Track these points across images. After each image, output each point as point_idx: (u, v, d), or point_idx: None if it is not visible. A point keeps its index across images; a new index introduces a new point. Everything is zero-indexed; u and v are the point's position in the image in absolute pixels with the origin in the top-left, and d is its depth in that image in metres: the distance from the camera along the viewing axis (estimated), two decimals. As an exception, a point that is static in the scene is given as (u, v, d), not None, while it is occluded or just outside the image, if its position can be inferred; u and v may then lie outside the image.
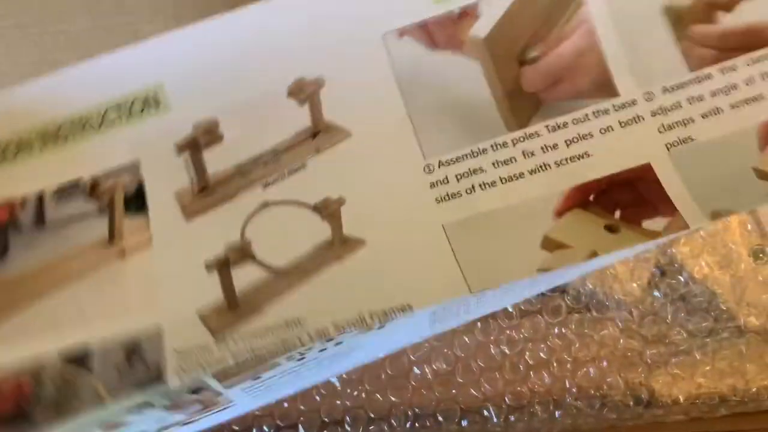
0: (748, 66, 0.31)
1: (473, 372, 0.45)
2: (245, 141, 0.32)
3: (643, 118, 0.31)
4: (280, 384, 0.33)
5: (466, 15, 0.33)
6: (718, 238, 0.47)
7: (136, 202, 0.31)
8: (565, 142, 0.31)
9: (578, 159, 0.30)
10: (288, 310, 0.29)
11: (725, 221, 0.47)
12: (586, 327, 0.46)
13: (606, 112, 0.31)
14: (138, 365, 0.29)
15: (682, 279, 0.47)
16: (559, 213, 0.30)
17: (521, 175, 0.30)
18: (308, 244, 0.30)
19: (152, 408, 0.29)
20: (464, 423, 0.45)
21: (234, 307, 0.30)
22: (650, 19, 0.32)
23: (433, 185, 0.30)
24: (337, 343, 0.30)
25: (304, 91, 0.32)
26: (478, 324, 0.45)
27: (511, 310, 0.45)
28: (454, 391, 0.45)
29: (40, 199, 0.32)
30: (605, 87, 0.31)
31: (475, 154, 0.30)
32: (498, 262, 0.29)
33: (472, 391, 0.45)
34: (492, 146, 0.30)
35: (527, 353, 0.45)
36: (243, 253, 0.30)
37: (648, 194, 0.31)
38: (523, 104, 0.31)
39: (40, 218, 0.32)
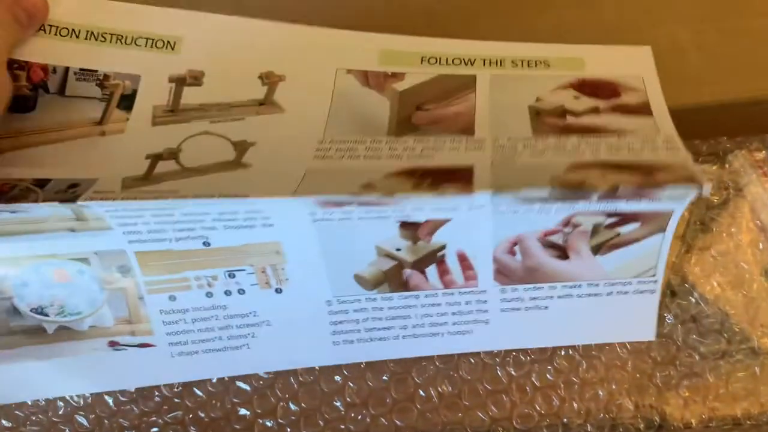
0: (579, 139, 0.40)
1: (479, 395, 0.45)
2: (215, 92, 0.43)
3: (483, 149, 0.40)
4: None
5: (396, 77, 0.44)
6: (729, 257, 0.47)
7: (127, 102, 0.43)
8: (422, 148, 0.41)
9: (425, 158, 0.40)
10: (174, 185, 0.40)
11: (736, 240, 0.46)
12: (593, 348, 0.46)
13: (459, 141, 0.41)
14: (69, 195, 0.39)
15: (693, 300, 0.46)
16: (388, 176, 0.39)
17: (378, 157, 0.41)
18: (214, 160, 0.41)
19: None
20: (471, 446, 0.45)
21: (145, 179, 0.40)
22: (516, 109, 0.42)
23: (318, 150, 0.41)
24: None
25: (270, 78, 0.43)
26: (484, 345, 0.46)
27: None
28: (460, 414, 0.45)
29: (66, 74, 0.43)
30: (468, 131, 0.42)
31: (356, 142, 0.41)
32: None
33: (479, 414, 0.45)
34: (371, 141, 0.42)
35: (534, 375, 0.45)
36: (172, 155, 0.41)
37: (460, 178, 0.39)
38: (405, 127, 0.43)
39: (61, 89, 0.43)
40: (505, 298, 0.42)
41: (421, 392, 0.46)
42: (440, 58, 0.45)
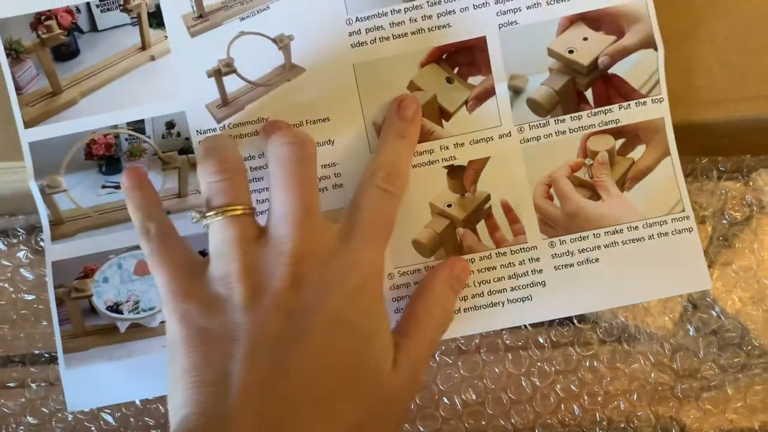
0: None
1: (503, 403, 0.45)
2: None
3: (489, 4, 0.43)
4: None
5: None
6: (751, 273, 0.46)
7: (157, 19, 0.43)
8: (437, 14, 0.43)
9: (443, 28, 0.43)
10: (258, 111, 0.43)
11: (758, 257, 0.46)
12: (617, 360, 0.45)
13: None
14: (174, 135, 0.43)
15: (714, 314, 0.46)
16: (422, 65, 0.44)
17: (405, 34, 0.43)
18: (270, 66, 0.43)
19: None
20: (494, 454, 0.45)
21: (226, 105, 0.43)
22: None
23: (350, 34, 0.43)
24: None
25: None
26: (509, 355, 0.46)
27: (542, 341, 0.46)
28: (483, 422, 0.45)
29: (89, 8, 0.42)
30: None
31: (380, 15, 0.43)
32: (379, 96, 0.43)
33: (502, 422, 0.45)
34: (390, 11, 0.43)
35: (558, 385, 0.45)
36: (229, 67, 0.43)
37: (477, 59, 0.44)
38: None
39: (93, 25, 0.43)
40: (555, 252, 0.43)
41: (445, 399, 0.45)
42: None
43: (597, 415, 0.45)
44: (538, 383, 0.45)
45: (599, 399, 0.45)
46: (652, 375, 0.45)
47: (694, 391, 0.45)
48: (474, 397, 0.45)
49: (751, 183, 0.47)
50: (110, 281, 0.43)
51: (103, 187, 0.43)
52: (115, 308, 0.43)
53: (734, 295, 0.46)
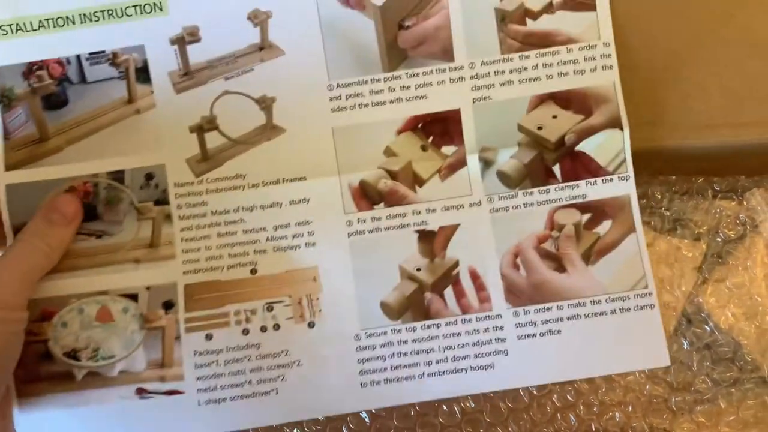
0: (536, 57, 0.43)
1: (501, 412, 0.45)
2: (215, 44, 0.42)
3: (464, 79, 0.43)
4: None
5: None
6: (744, 290, 0.46)
7: (144, 74, 0.42)
8: (415, 85, 0.43)
9: (419, 98, 0.43)
10: (237, 168, 0.43)
11: (751, 274, 0.46)
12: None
13: (443, 71, 0.43)
14: (152, 186, 0.42)
15: (708, 328, 0.46)
16: (399, 132, 0.43)
17: (383, 102, 0.43)
18: (251, 125, 0.43)
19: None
20: (490, 462, 0.44)
21: (205, 160, 0.43)
22: (485, 13, 0.43)
23: (331, 99, 0.43)
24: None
25: (258, 17, 0.42)
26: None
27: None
28: (481, 430, 0.45)
29: (79, 61, 0.42)
30: (447, 53, 0.43)
31: (360, 84, 0.43)
32: (357, 157, 0.43)
33: (500, 430, 0.45)
34: (371, 80, 0.43)
35: (554, 395, 0.45)
36: (211, 124, 0.43)
37: (451, 130, 0.44)
38: (394, 55, 0.43)
39: (82, 77, 0.42)
40: (519, 322, 0.42)
41: (444, 407, 0.45)
42: None
43: (592, 425, 0.45)
44: (535, 392, 0.45)
45: (594, 409, 0.45)
46: (647, 387, 0.45)
47: (687, 404, 0.45)
48: (472, 405, 0.45)
49: (744, 203, 0.48)
50: (69, 326, 0.41)
51: (77, 233, 0.42)
52: (73, 355, 0.41)
53: (727, 310, 0.46)
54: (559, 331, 0.42)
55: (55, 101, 0.42)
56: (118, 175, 0.42)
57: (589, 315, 0.42)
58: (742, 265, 0.47)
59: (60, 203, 0.41)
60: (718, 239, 0.47)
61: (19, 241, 0.39)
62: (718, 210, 0.47)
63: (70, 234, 0.41)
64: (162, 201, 0.42)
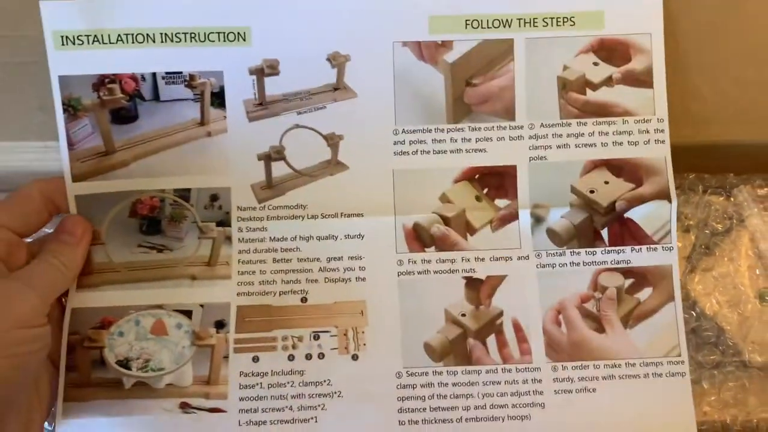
0: (594, 125, 0.45)
1: None
2: (292, 79, 0.44)
3: (523, 138, 0.45)
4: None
5: (445, 45, 0.44)
6: (728, 279, 0.49)
7: (218, 99, 0.43)
8: (476, 138, 0.45)
9: (479, 151, 0.45)
10: (298, 198, 0.44)
11: (736, 265, 0.49)
12: None
13: (503, 128, 0.45)
14: (216, 207, 0.44)
15: (694, 314, 0.48)
16: (456, 180, 0.45)
17: (444, 151, 0.45)
18: (316, 159, 0.44)
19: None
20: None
21: (270, 187, 0.44)
22: (547, 80, 0.45)
23: (395, 143, 0.44)
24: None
25: (337, 60, 0.43)
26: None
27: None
28: None
29: (154, 79, 0.43)
30: (509, 113, 0.45)
31: (424, 131, 0.44)
32: (413, 200, 0.44)
33: None
34: (435, 129, 0.44)
35: None
36: (279, 154, 0.44)
37: (506, 184, 0.45)
38: (459, 109, 0.45)
39: (156, 94, 0.43)
40: (557, 377, 0.43)
41: None
42: (481, 21, 0.45)
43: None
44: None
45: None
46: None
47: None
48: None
49: (732, 198, 0.50)
50: (125, 336, 0.41)
51: (139, 246, 0.42)
52: (125, 363, 0.41)
53: (713, 298, 0.48)
54: (594, 390, 0.43)
55: (124, 116, 0.43)
56: (184, 194, 0.43)
57: (623, 377, 0.43)
58: (728, 256, 0.49)
59: (68, 224, 0.41)
60: (707, 231, 0.50)
61: (37, 260, 0.40)
62: (707, 204, 0.50)
63: (81, 253, 0.41)
64: (224, 222, 0.43)
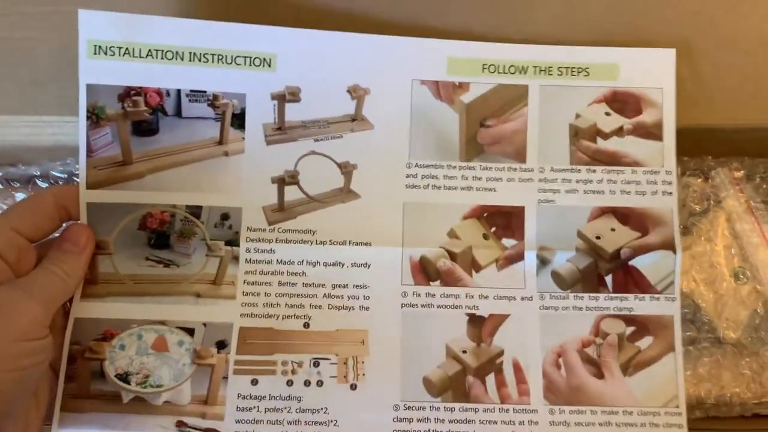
0: (603, 173, 0.45)
1: None
2: (312, 107, 0.44)
3: (532, 180, 0.45)
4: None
5: (461, 87, 0.45)
6: (705, 258, 0.50)
7: (239, 120, 0.44)
8: (486, 178, 0.45)
9: (489, 190, 0.45)
10: (308, 222, 0.44)
11: (712, 244, 0.50)
12: None
13: (514, 170, 0.45)
14: (226, 226, 0.44)
15: None
16: (465, 217, 0.45)
17: (455, 188, 0.45)
18: (329, 186, 0.44)
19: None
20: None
21: (281, 210, 0.44)
22: (559, 127, 0.45)
23: (407, 176, 0.45)
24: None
25: (357, 92, 0.44)
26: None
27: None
28: None
29: (178, 96, 0.43)
30: (520, 155, 0.45)
31: (436, 167, 0.45)
32: (421, 233, 0.44)
33: None
34: (447, 165, 0.45)
35: None
36: (293, 179, 0.44)
37: (513, 224, 0.45)
38: (472, 148, 0.45)
39: (178, 110, 0.43)
40: (554, 420, 0.43)
41: None
42: (498, 66, 0.46)
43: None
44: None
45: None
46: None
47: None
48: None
49: (710, 180, 0.52)
50: (126, 349, 0.41)
51: (147, 259, 0.42)
52: (124, 377, 0.41)
53: (690, 276, 0.50)
54: None
55: (145, 128, 0.43)
56: (195, 210, 0.43)
57: (620, 424, 0.43)
58: (705, 236, 0.51)
59: (72, 232, 0.41)
60: (685, 212, 0.52)
61: (39, 268, 0.39)
62: (686, 186, 0.52)
63: (83, 262, 0.41)
64: (233, 242, 0.43)
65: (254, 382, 0.42)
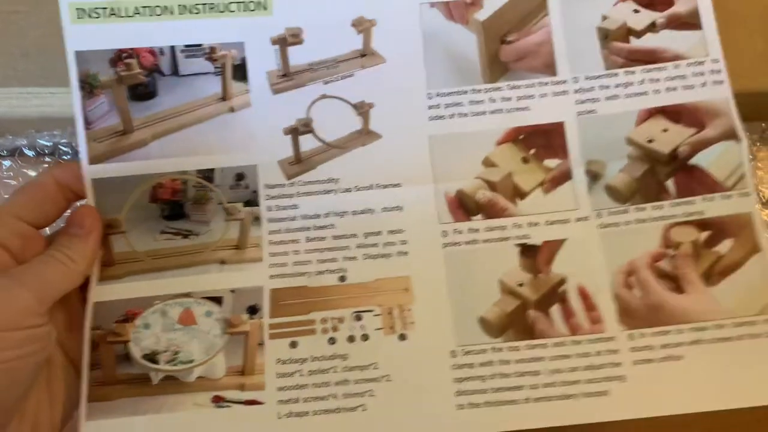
0: (642, 73, 0.40)
1: None
2: (317, 48, 0.40)
3: (567, 93, 0.40)
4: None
5: (474, 4, 0.41)
6: None
7: (240, 72, 0.40)
8: (516, 97, 0.40)
9: (521, 110, 0.40)
10: (329, 171, 0.40)
11: None
12: None
13: (545, 84, 0.40)
14: (242, 186, 0.40)
15: None
16: (499, 143, 0.40)
17: (483, 113, 0.40)
18: (346, 130, 0.40)
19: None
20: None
21: (298, 162, 0.40)
22: (587, 32, 0.41)
23: (429, 107, 0.40)
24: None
25: (362, 25, 0.40)
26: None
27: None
28: None
29: (173, 53, 0.40)
30: (550, 68, 0.40)
31: (459, 93, 0.40)
32: (454, 167, 0.40)
33: None
34: (471, 90, 0.40)
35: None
36: (306, 127, 0.40)
37: (554, 143, 0.40)
38: (496, 68, 0.41)
39: (175, 69, 0.40)
40: (635, 346, 0.37)
41: None
42: None
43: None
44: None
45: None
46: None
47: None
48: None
49: None
50: (151, 328, 0.37)
51: (162, 232, 0.38)
52: (152, 357, 0.36)
53: None
54: (680, 357, 0.37)
55: (142, 92, 0.39)
56: (207, 174, 0.39)
57: (713, 340, 0.37)
58: None
59: (76, 216, 0.37)
60: None
61: (40, 256, 0.36)
62: None
63: (91, 245, 0.37)
64: (251, 202, 0.39)
65: (293, 345, 0.37)
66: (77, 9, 0.39)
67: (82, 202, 0.39)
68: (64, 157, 0.50)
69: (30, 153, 0.50)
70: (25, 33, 0.43)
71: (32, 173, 0.48)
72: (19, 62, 0.44)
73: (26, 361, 0.33)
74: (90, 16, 0.39)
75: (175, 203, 0.39)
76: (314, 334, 0.38)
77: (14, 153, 0.50)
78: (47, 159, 0.50)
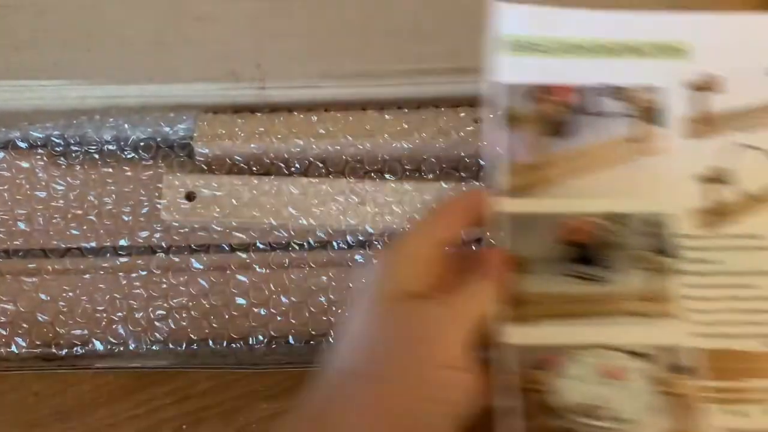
0: None
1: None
2: (732, 96, 0.38)
3: None
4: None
5: None
6: None
7: (654, 115, 0.38)
8: None
9: None
10: (752, 226, 0.37)
11: None
12: None
13: None
14: (653, 235, 0.37)
15: None
16: None
17: None
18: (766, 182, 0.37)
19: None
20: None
21: (716, 214, 0.37)
22: None
23: None
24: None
25: None
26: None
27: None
28: None
29: (589, 92, 0.39)
30: None
31: None
32: None
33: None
34: None
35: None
36: (724, 176, 0.37)
37: None
38: None
39: (589, 108, 0.38)
40: None
41: None
42: None
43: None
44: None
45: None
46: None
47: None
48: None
49: None
50: (574, 379, 0.34)
51: (569, 275, 0.36)
52: (583, 411, 0.33)
53: None
54: None
55: (557, 129, 0.38)
56: (618, 218, 0.37)
57: None
58: None
59: (487, 254, 0.36)
60: None
61: (460, 288, 0.34)
62: None
63: (499, 286, 0.35)
64: (664, 252, 0.37)
65: (744, 414, 0.34)
66: (512, 42, 0.38)
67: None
68: (57, 149, 0.53)
69: (23, 145, 0.53)
70: (17, 26, 0.47)
71: (25, 165, 0.52)
72: (12, 55, 0.47)
73: (450, 408, 0.32)
74: (521, 50, 0.38)
75: (583, 245, 0.36)
76: (762, 403, 0.34)
77: (7, 146, 0.53)
78: (39, 151, 0.53)
